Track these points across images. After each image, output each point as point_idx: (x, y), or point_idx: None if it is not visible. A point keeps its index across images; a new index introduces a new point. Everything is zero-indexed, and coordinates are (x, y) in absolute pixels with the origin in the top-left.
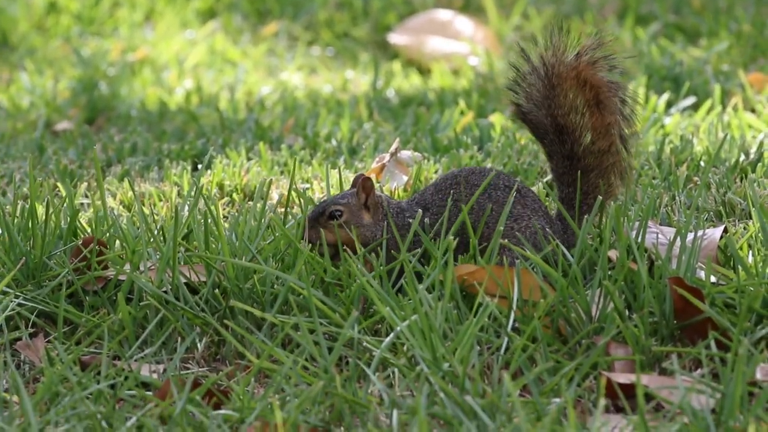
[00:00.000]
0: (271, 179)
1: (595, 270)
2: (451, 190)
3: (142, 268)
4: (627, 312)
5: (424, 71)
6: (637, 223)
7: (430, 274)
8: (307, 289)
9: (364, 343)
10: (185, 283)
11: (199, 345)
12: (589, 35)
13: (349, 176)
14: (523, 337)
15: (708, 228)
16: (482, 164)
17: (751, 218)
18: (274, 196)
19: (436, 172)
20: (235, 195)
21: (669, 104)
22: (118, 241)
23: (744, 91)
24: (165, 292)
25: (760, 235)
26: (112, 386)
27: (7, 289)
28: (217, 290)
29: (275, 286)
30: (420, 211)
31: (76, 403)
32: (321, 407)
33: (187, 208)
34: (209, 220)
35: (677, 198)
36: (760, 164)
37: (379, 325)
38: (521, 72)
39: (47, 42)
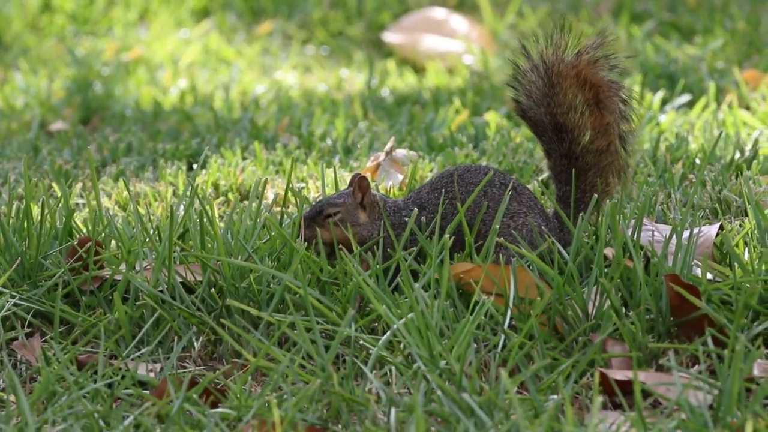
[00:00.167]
0: (267, 179)
1: (591, 268)
2: (447, 188)
3: (138, 268)
4: (623, 309)
5: (419, 70)
6: (632, 221)
7: (427, 273)
8: (303, 287)
9: (361, 342)
10: (181, 283)
11: (195, 344)
12: (589, 34)
13: (345, 175)
14: (520, 335)
15: (704, 225)
16: (477, 162)
17: (746, 215)
18: (270, 195)
19: (431, 170)
20: (230, 194)
21: (664, 102)
22: (113, 241)
23: (739, 88)
24: (161, 291)
25: (755, 232)
26: (109, 385)
27: (3, 289)
28: (213, 289)
29: (271, 285)
30: (416, 209)
31: (73, 402)
32: (318, 405)
33: (182, 207)
34: (205, 220)
35: (673, 195)
36: (755, 161)
37: (376, 324)
38: (521, 69)
39: (41, 41)
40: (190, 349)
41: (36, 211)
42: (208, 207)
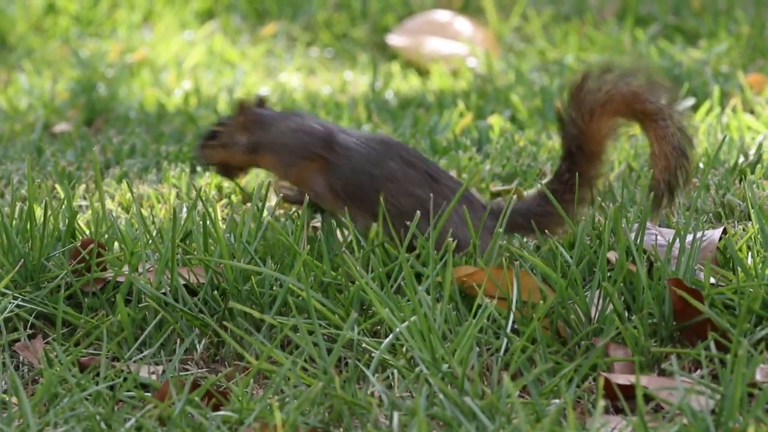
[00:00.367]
0: (270, 181)
1: (593, 271)
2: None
3: (140, 270)
4: (626, 313)
5: (423, 72)
6: (636, 225)
7: (429, 276)
8: (306, 290)
9: (364, 345)
10: (184, 285)
11: (198, 346)
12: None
13: None
14: (523, 339)
15: (707, 229)
16: (481, 167)
17: (750, 220)
18: (273, 197)
19: None
20: (233, 197)
21: None
22: (116, 243)
23: (743, 92)
24: (164, 293)
25: (759, 236)
26: (111, 387)
27: (6, 291)
28: (215, 292)
29: (274, 288)
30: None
31: (75, 404)
32: (320, 408)
33: (185, 209)
34: (208, 222)
35: (676, 199)
36: (759, 166)
37: (379, 327)
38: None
39: (45, 43)
40: (193, 352)
41: (39, 212)
42: (211, 209)
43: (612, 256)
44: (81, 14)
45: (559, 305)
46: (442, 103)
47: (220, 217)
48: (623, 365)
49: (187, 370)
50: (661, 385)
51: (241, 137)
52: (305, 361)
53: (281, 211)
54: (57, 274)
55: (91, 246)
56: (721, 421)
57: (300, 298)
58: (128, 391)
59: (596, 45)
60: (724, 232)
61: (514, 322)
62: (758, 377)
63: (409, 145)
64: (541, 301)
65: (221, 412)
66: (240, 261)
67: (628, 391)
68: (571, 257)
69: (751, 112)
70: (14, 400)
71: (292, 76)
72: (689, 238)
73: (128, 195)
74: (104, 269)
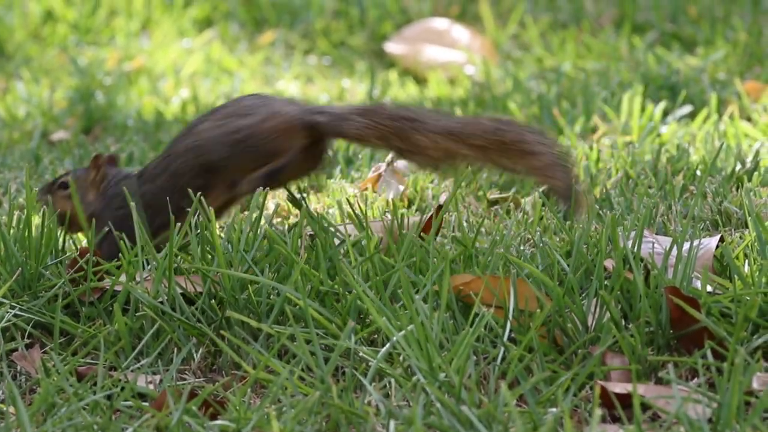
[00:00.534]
0: (267, 189)
1: (590, 280)
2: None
3: (138, 279)
4: (623, 322)
5: (421, 80)
6: (633, 233)
7: (426, 285)
8: (303, 299)
9: (361, 354)
10: (181, 294)
11: (195, 355)
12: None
13: (345, 186)
14: (520, 347)
15: (704, 237)
16: (478, 175)
17: (747, 227)
18: (271, 206)
19: (432, 181)
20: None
21: (665, 113)
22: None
23: (740, 99)
24: (161, 302)
25: (756, 244)
26: (109, 397)
27: (3, 300)
28: (213, 301)
29: (271, 297)
30: (132, 178)
31: (72, 413)
32: (317, 417)
33: None
34: (205, 231)
35: (673, 207)
36: (756, 173)
37: (376, 336)
38: None
39: (43, 51)
40: (190, 361)
41: (37, 221)
42: (208, 217)
43: (609, 264)
44: (79, 22)
45: (556, 314)
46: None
47: (217, 226)
48: (620, 374)
49: (185, 379)
50: (658, 394)
51: (90, 196)
52: (302, 370)
53: (278, 220)
54: (54, 283)
55: (89, 255)
56: (718, 430)
57: (297, 307)
58: (126, 400)
59: (593, 52)
60: (721, 240)
61: (511, 330)
62: (755, 385)
63: None
64: (538, 310)
65: (219, 422)
66: (237, 270)
67: (625, 399)
68: (568, 265)
69: (749, 119)
70: (12, 409)
71: (290, 84)
72: (686, 246)
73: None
74: (101, 278)
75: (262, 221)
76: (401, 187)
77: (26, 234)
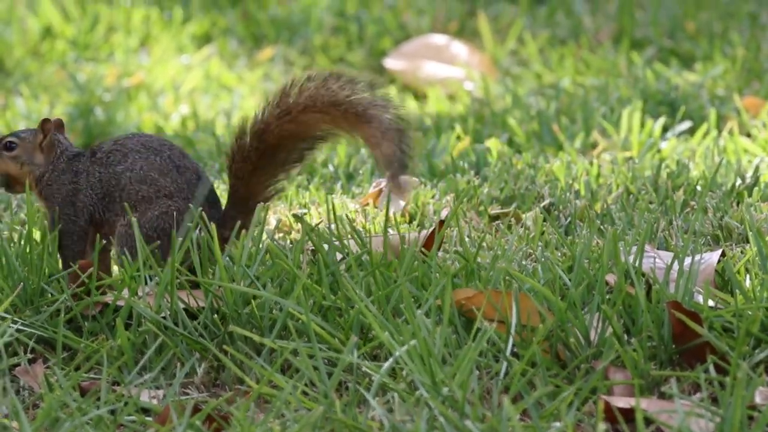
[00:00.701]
0: (269, 204)
1: (593, 294)
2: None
3: (140, 294)
4: (625, 336)
5: (420, 96)
6: (634, 248)
7: (428, 299)
8: (306, 314)
9: (364, 368)
10: (184, 309)
11: (198, 370)
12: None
13: (347, 201)
14: (522, 362)
15: (705, 252)
16: (479, 190)
17: (748, 242)
18: (272, 221)
19: (433, 197)
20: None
21: (665, 129)
22: (115, 266)
23: (739, 115)
24: (164, 317)
25: (757, 259)
26: (112, 412)
27: (6, 315)
28: (215, 315)
29: (274, 311)
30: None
31: (76, 428)
32: None
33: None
34: (207, 245)
35: (674, 222)
36: (756, 188)
37: (379, 351)
38: None
39: (42, 67)
40: (193, 376)
41: (38, 236)
42: (210, 232)
43: (611, 278)
44: (78, 38)
45: (559, 328)
46: (439, 126)
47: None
48: (623, 388)
49: (188, 394)
50: (661, 408)
51: (38, 158)
52: (306, 385)
53: (280, 235)
54: (57, 298)
55: (91, 269)
56: None
57: (300, 321)
58: (129, 415)
59: (592, 68)
60: (723, 254)
61: (513, 345)
62: (757, 400)
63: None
64: (541, 324)
65: None
66: (239, 284)
67: (629, 414)
68: (570, 280)
69: (748, 135)
70: (15, 424)
71: None
72: (687, 260)
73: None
74: (104, 293)
75: (264, 236)
76: (402, 203)
77: (28, 249)
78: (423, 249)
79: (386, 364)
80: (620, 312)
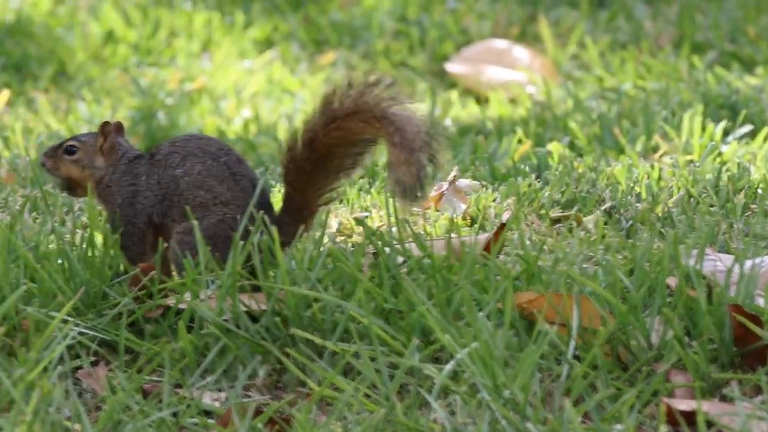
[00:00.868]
0: (330, 207)
1: (653, 297)
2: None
3: (202, 297)
4: (687, 339)
5: (482, 100)
6: (695, 251)
7: (489, 302)
8: (368, 316)
9: (425, 371)
10: (246, 312)
11: (260, 373)
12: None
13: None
14: (584, 365)
15: (766, 255)
16: (540, 193)
17: None
18: (333, 224)
19: (494, 200)
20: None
21: (726, 132)
22: (174, 272)
23: None
24: (225, 320)
25: None
26: (175, 414)
27: (68, 318)
28: (277, 318)
29: (335, 314)
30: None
31: (138, 431)
32: None
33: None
34: (268, 248)
35: (735, 225)
36: None
37: (440, 353)
38: None
39: (105, 72)
40: (255, 378)
41: (100, 239)
42: (271, 235)
43: (672, 281)
44: (140, 43)
45: (620, 331)
46: (501, 130)
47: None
48: (684, 391)
49: (250, 396)
50: (722, 411)
51: (99, 161)
52: (367, 387)
53: (341, 238)
54: (119, 301)
55: (153, 273)
56: None
57: (362, 324)
58: (191, 417)
59: (653, 72)
60: None
61: (575, 348)
62: None
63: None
64: (602, 327)
65: None
66: (301, 287)
67: (690, 416)
68: (631, 283)
69: None
70: (78, 427)
71: None
72: (748, 263)
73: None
74: (166, 296)
75: (326, 239)
76: (463, 206)
77: (90, 252)
78: (484, 252)
79: (448, 367)
80: (681, 315)
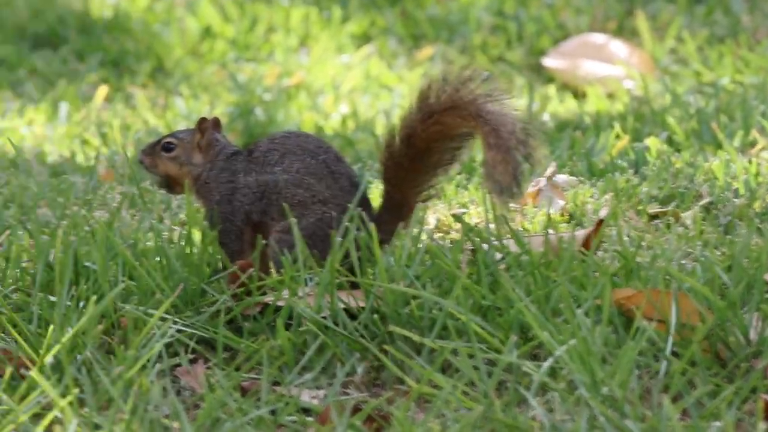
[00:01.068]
0: (428, 204)
1: (752, 293)
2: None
3: (300, 294)
4: None
5: (579, 95)
6: None
7: (588, 299)
8: (466, 314)
9: (523, 368)
10: (344, 309)
11: (358, 370)
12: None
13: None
14: (682, 361)
15: None
16: (638, 189)
17: None
18: (431, 221)
19: (591, 195)
20: None
21: None
22: (273, 271)
23: None
24: (324, 317)
25: None
26: (273, 412)
27: (166, 316)
28: (375, 315)
29: (433, 311)
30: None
31: (236, 429)
32: None
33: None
34: (367, 246)
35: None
36: None
37: (538, 350)
38: None
39: (202, 67)
40: (353, 376)
41: (198, 236)
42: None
43: None
44: (237, 38)
45: (718, 327)
46: (598, 125)
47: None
48: None
49: (348, 394)
50: None
51: (196, 158)
52: (465, 384)
53: (439, 234)
54: (217, 298)
55: (251, 270)
56: None
57: (460, 321)
58: (290, 415)
59: (751, 67)
60: None
61: (673, 344)
62: None
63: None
64: (700, 324)
65: None
66: (399, 284)
67: None
68: (729, 279)
69: None
70: (176, 425)
71: None
72: None
73: None
74: (264, 293)
75: (423, 236)
76: (561, 202)
77: (188, 250)
78: (582, 248)
79: (546, 364)
80: None
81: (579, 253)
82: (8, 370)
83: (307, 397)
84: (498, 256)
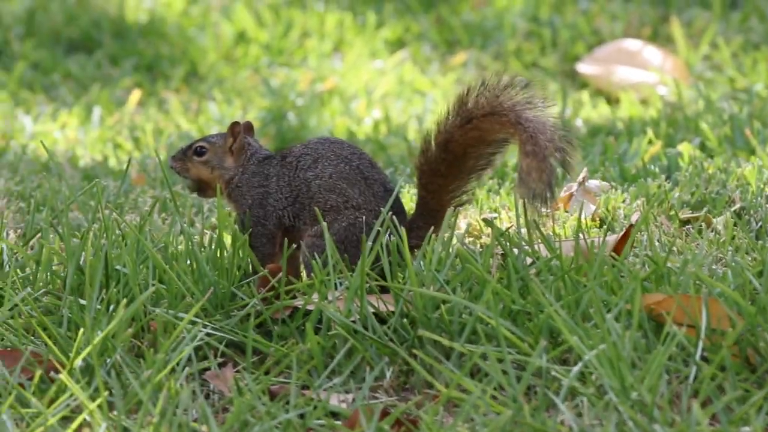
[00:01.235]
0: (459, 209)
1: None
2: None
3: (330, 298)
4: None
5: (613, 101)
6: None
7: (618, 304)
8: (495, 318)
9: (553, 372)
10: (373, 313)
11: (387, 374)
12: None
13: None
14: (712, 366)
15: None
16: (670, 194)
17: None
18: (462, 225)
19: (623, 201)
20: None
21: None
22: (304, 274)
23: None
24: (353, 321)
25: None
26: (302, 416)
27: (196, 319)
28: (405, 320)
29: (463, 316)
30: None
31: None
32: None
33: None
34: (397, 250)
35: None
36: None
37: (568, 355)
38: None
39: (236, 72)
40: (382, 380)
41: (229, 240)
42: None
43: None
44: (271, 44)
45: (749, 333)
46: (631, 130)
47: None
48: None
49: (377, 398)
50: None
51: (228, 162)
52: (494, 389)
53: (470, 239)
54: (247, 302)
55: (280, 274)
56: None
57: (489, 325)
58: (318, 419)
59: None
60: None
61: (703, 349)
62: None
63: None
64: (731, 329)
65: None
66: (429, 289)
67: None
68: (760, 285)
69: None
70: (205, 428)
71: None
72: None
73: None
74: (293, 297)
75: (454, 240)
76: (593, 207)
77: (219, 254)
78: (613, 253)
79: (575, 368)
80: None
81: (609, 258)
82: (38, 373)
83: (335, 401)
84: (528, 260)
